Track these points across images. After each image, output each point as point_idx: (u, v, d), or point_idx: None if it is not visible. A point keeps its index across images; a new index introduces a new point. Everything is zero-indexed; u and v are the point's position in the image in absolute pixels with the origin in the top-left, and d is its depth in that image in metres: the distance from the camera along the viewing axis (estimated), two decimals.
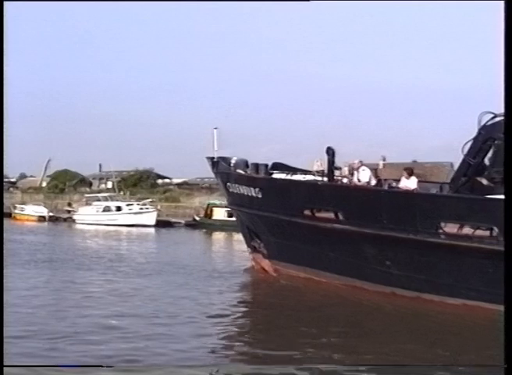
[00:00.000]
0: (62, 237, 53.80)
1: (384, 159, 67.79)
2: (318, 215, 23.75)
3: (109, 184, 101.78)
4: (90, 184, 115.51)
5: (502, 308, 17.42)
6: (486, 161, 20.74)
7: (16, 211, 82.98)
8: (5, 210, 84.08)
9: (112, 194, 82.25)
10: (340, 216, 22.61)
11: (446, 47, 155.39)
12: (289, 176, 26.32)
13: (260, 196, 26.16)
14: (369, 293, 21.29)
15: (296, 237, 24.77)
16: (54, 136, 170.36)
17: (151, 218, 69.69)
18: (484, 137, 20.58)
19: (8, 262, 32.19)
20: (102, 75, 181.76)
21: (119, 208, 73.16)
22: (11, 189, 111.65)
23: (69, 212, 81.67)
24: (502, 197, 18.04)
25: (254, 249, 28.42)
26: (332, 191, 23.65)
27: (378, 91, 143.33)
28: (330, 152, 23.96)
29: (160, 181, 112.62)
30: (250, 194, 26.69)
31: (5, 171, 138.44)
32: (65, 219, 78.46)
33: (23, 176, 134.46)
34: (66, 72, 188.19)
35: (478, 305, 19.10)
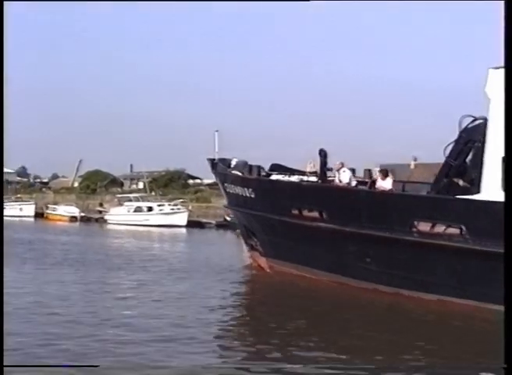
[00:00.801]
0: (93, 237, 53.83)
1: (415, 160, 67.24)
2: (305, 214, 24.46)
3: (140, 185, 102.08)
4: (122, 185, 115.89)
5: (473, 303, 18.83)
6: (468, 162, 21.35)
7: (48, 211, 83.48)
8: (37, 210, 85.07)
9: (144, 194, 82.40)
10: (324, 215, 23.49)
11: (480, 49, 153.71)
12: (286, 177, 27.09)
13: (253, 196, 27.14)
14: (353, 289, 22.29)
15: (287, 235, 25.73)
16: (86, 136, 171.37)
17: (182, 218, 69.63)
18: (465, 140, 21.18)
19: (40, 262, 32.41)
20: (134, 76, 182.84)
21: (150, 209, 73.20)
22: (43, 189, 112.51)
23: (100, 212, 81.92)
24: (471, 197, 19.77)
25: (251, 247, 29.37)
26: (316, 192, 24.85)
27: (410, 91, 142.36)
28: (322, 154, 25.06)
29: (191, 181, 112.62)
30: (244, 195, 27.71)
31: (38, 172, 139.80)
32: (96, 220, 78.72)
33: (55, 177, 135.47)
34: (97, 73, 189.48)
35: (451, 300, 19.85)
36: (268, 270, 27.48)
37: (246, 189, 27.72)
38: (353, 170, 25.99)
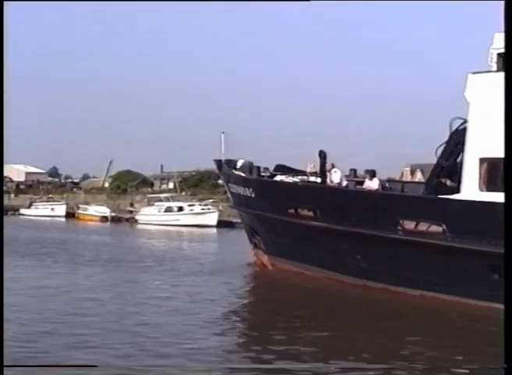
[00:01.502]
0: (124, 237, 53.88)
1: None
2: (301, 213, 25.49)
3: (171, 185, 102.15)
4: (152, 185, 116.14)
5: (454, 298, 19.79)
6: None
7: (79, 211, 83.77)
8: (68, 210, 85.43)
9: (174, 194, 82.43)
10: (318, 214, 24.46)
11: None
12: (289, 178, 27.84)
13: (253, 196, 28.28)
14: (346, 285, 23.31)
15: (285, 234, 26.84)
16: (116, 137, 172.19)
17: (212, 218, 69.48)
18: (455, 141, 21.92)
19: (73, 261, 32.45)
20: (165, 78, 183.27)
21: (180, 209, 73.15)
22: (74, 189, 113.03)
23: (131, 212, 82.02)
24: (451, 197, 20.61)
25: (255, 245, 30.39)
26: (309, 192, 25.95)
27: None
28: (322, 155, 25.62)
29: (221, 181, 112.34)
30: (245, 194, 28.91)
31: (69, 172, 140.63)
32: (127, 220, 78.83)
33: (85, 177, 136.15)
34: (130, 75, 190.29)
35: (434, 296, 20.69)
36: (270, 268, 28.42)
37: (247, 189, 28.75)
38: (354, 171, 26.76)
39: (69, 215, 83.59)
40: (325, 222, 24.04)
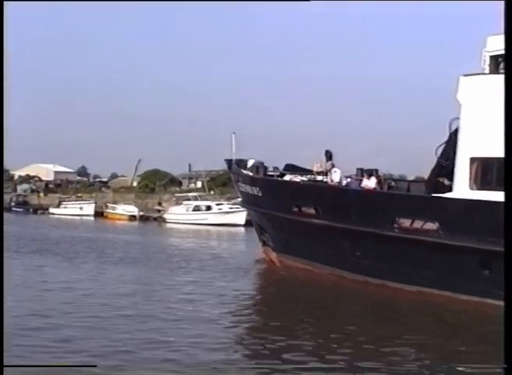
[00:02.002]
0: (152, 236, 53.90)
1: None
2: (305, 211, 26.42)
3: (199, 184, 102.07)
4: (180, 184, 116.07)
5: (449, 294, 20.32)
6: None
7: (108, 210, 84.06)
8: (97, 209, 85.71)
9: (202, 193, 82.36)
10: (320, 212, 25.34)
11: None
12: (298, 177, 28.47)
13: (260, 194, 29.31)
14: (347, 282, 24.15)
15: (290, 231, 27.81)
16: (145, 136, 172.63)
17: (240, 217, 69.15)
18: (454, 141, 22.31)
19: (102, 260, 32.47)
20: (191, 76, 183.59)
21: (208, 208, 73.06)
22: (103, 189, 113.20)
23: (159, 211, 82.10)
24: (443, 195, 21.27)
25: (264, 243, 31.47)
26: (311, 190, 26.81)
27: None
28: (328, 155, 27.16)
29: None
30: (253, 193, 29.93)
31: (98, 171, 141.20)
32: (155, 219, 78.90)
33: (114, 176, 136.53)
34: (157, 75, 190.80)
35: (430, 291, 21.31)
36: (278, 265, 29.30)
37: (254, 188, 29.77)
38: (361, 170, 26.74)
39: (98, 214, 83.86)
40: (327, 220, 24.89)
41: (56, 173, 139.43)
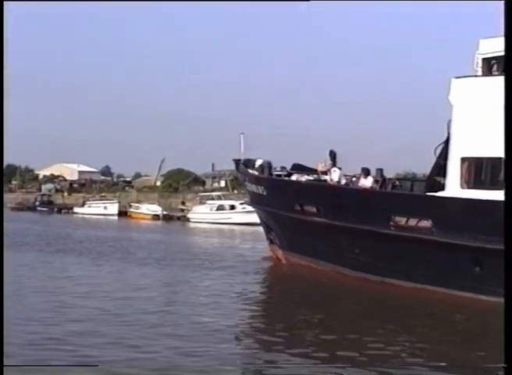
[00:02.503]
0: (176, 235, 53.79)
1: None
2: (307, 210, 27.22)
3: (222, 183, 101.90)
4: (204, 183, 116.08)
5: (443, 290, 20.83)
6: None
7: (132, 209, 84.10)
8: (121, 209, 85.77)
9: (226, 192, 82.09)
10: (321, 211, 26.04)
11: None
12: (304, 177, 28.99)
13: (265, 193, 30.12)
14: (348, 279, 24.78)
15: (294, 229, 28.55)
16: (168, 136, 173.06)
17: None
18: None
19: (125, 260, 32.40)
20: (216, 75, 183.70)
21: (232, 207, 72.82)
22: (126, 188, 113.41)
23: (182, 210, 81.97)
24: (436, 194, 21.95)
25: (270, 241, 32.24)
26: (312, 190, 27.59)
27: None
28: (332, 155, 27.66)
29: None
30: (258, 192, 30.80)
31: (121, 171, 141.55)
32: (178, 218, 78.78)
33: (138, 176, 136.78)
34: (178, 74, 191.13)
35: (424, 288, 21.80)
36: (284, 262, 30.12)
37: (259, 187, 30.61)
38: (367, 170, 26.77)
39: (122, 213, 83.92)
40: (327, 218, 25.58)
41: (80, 172, 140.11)
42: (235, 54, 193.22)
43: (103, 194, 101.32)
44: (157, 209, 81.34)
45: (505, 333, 9.22)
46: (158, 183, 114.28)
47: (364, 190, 25.19)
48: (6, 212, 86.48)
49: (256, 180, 31.21)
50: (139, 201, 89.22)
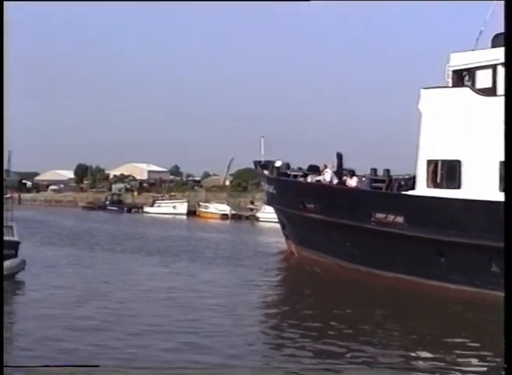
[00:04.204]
0: (245, 235, 53.44)
1: None
2: (308, 207, 29.64)
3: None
4: None
5: (417, 279, 23.39)
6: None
7: (201, 209, 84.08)
8: (190, 208, 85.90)
9: None
10: (317, 208, 28.80)
11: None
12: (316, 177, 30.63)
13: (274, 192, 33.47)
14: (345, 270, 27.22)
15: (300, 225, 31.40)
16: (237, 135, 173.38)
17: None
18: None
19: (193, 259, 32.24)
20: (287, 77, 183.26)
21: None
22: (195, 187, 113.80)
23: (251, 210, 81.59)
24: (407, 193, 24.61)
25: (286, 237, 35.04)
26: (310, 189, 30.35)
27: None
28: (339, 156, 30.04)
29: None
30: (270, 191, 34.16)
31: (191, 170, 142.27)
32: (247, 217, 78.40)
33: (206, 175, 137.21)
34: (241, 75, 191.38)
35: (402, 277, 24.15)
36: (296, 255, 32.68)
37: (270, 187, 33.97)
38: (375, 170, 28.82)
39: (191, 213, 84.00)
40: (322, 214, 28.33)
41: (150, 172, 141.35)
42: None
43: (172, 194, 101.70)
44: (226, 209, 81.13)
45: (505, 333, 9.21)
46: (227, 183, 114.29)
47: (349, 189, 27.90)
48: (77, 211, 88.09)
49: (268, 181, 34.43)
50: (208, 201, 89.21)
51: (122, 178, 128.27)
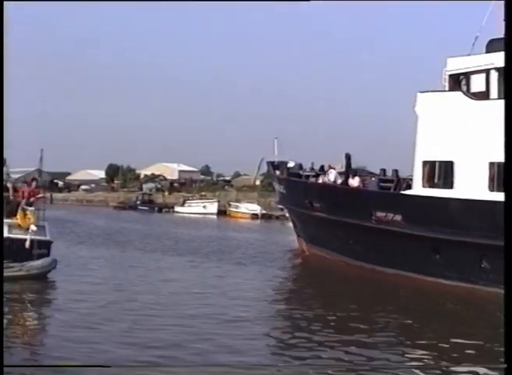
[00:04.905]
0: (275, 235, 53.30)
1: None
2: (315, 206, 31.04)
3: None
4: None
5: (414, 275, 24.40)
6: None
7: (231, 208, 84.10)
8: (220, 208, 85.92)
9: None
10: (322, 207, 30.14)
11: None
12: (325, 177, 31.54)
13: (284, 192, 35.13)
14: (350, 267, 28.06)
15: (308, 224, 32.79)
16: (267, 136, 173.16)
17: None
18: None
19: (221, 258, 32.22)
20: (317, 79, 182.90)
21: None
22: (226, 187, 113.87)
23: (282, 209, 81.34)
24: (404, 192, 25.83)
25: (298, 235, 36.10)
26: (316, 189, 31.72)
27: None
28: (347, 157, 30.65)
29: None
30: (281, 191, 35.83)
31: (221, 170, 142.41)
32: (277, 217, 78.11)
33: (237, 175, 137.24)
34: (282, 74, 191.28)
35: (402, 273, 25.07)
36: (307, 253, 33.75)
37: (281, 187, 35.62)
38: (384, 170, 30.32)
39: (221, 212, 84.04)
40: (327, 213, 29.60)
41: (180, 172, 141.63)
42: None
43: (203, 194, 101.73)
44: (256, 208, 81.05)
45: (505, 333, 9.17)
46: (258, 183, 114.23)
47: (352, 189, 28.90)
48: (108, 211, 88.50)
49: (278, 181, 35.95)
50: (238, 201, 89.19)
51: (152, 178, 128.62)
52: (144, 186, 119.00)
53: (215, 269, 28.51)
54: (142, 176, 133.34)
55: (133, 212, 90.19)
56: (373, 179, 29.61)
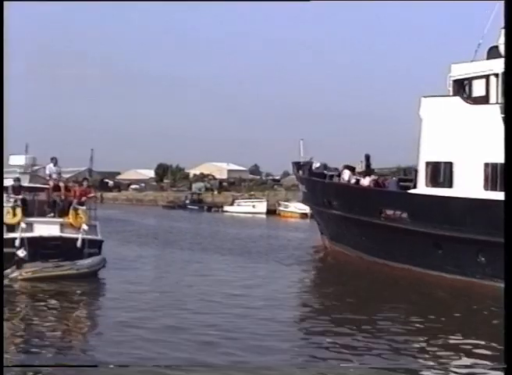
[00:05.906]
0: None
1: None
2: (332, 204, 32.44)
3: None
4: None
5: (419, 269, 25.91)
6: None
7: (280, 208, 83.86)
8: (269, 207, 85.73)
9: None
10: (339, 205, 31.81)
11: None
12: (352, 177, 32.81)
13: (305, 191, 37.35)
14: (365, 262, 29.68)
15: (329, 222, 34.62)
16: (318, 136, 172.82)
17: None
18: None
19: (271, 259, 32.13)
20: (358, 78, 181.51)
21: None
22: (275, 187, 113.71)
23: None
24: (410, 191, 27.57)
25: (321, 232, 37.66)
26: (331, 188, 33.40)
27: None
28: (366, 158, 33.11)
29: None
30: (304, 191, 37.87)
31: (270, 169, 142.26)
32: None
33: (286, 174, 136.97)
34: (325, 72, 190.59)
35: (407, 267, 26.61)
36: (329, 249, 35.46)
37: (303, 186, 37.83)
38: (404, 170, 33.78)
39: (270, 212, 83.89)
40: (339, 210, 31.50)
41: (229, 171, 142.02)
42: None
43: (252, 193, 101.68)
44: (305, 208, 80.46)
45: (505, 333, 9.28)
46: None
47: (363, 188, 30.57)
48: (158, 210, 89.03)
49: (300, 181, 38.19)
50: (287, 200, 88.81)
51: (201, 177, 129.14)
52: (194, 185, 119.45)
53: (261, 271, 28.34)
54: (191, 175, 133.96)
55: (183, 211, 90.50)
56: (393, 178, 31.15)
